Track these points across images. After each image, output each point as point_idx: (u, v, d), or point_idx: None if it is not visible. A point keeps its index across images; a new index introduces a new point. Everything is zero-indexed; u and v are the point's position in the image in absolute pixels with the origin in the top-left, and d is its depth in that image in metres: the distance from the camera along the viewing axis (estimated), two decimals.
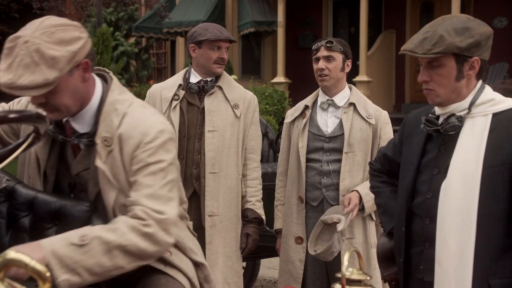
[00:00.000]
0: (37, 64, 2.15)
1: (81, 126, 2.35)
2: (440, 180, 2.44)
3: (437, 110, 2.53)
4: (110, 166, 2.29)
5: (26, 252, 1.81)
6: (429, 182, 2.49)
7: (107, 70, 2.48)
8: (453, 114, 2.46)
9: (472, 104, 2.41)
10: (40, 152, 2.42)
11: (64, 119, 2.36)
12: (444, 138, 2.48)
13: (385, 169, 2.85)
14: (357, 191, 3.68)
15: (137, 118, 2.31)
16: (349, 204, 3.63)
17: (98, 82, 2.40)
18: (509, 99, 2.40)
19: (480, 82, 2.46)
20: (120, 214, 2.27)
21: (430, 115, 2.54)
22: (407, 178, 2.56)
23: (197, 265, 2.52)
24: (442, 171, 2.45)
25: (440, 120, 2.50)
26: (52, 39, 2.18)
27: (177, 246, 2.45)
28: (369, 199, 3.67)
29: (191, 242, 2.53)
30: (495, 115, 2.38)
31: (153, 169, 2.26)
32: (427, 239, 2.49)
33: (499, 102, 2.39)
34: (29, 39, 2.16)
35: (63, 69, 2.19)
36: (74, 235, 2.16)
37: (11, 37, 2.19)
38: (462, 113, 2.44)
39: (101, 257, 2.15)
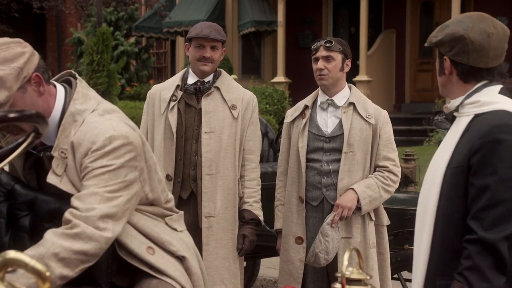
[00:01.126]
0: None
1: (46, 139, 2.35)
2: None
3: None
4: (69, 177, 2.30)
5: None
6: None
7: (73, 73, 2.47)
8: (441, 111, 2.48)
9: (461, 103, 2.40)
10: (15, 162, 2.43)
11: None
12: (445, 134, 2.50)
13: None
14: (353, 189, 3.68)
15: (89, 126, 2.31)
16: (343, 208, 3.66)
17: (61, 92, 2.39)
18: (501, 101, 2.34)
19: (481, 83, 2.41)
20: None
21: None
22: None
23: (179, 258, 2.53)
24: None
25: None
26: None
27: (155, 242, 2.46)
28: (365, 196, 3.67)
29: (168, 236, 2.53)
30: (476, 116, 2.35)
31: (96, 172, 2.26)
32: None
33: (484, 104, 2.35)
34: None
35: (12, 87, 2.20)
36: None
37: None
38: (452, 111, 2.44)
39: (52, 266, 2.13)
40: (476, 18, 2.39)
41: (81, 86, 2.41)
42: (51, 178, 2.30)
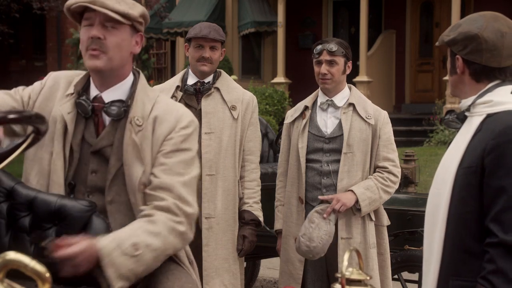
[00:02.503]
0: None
1: (113, 96, 2.47)
2: None
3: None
4: (140, 143, 2.41)
5: (83, 262, 2.07)
6: None
7: (137, 69, 2.62)
8: (452, 110, 2.46)
9: (473, 103, 2.39)
10: (69, 126, 2.48)
11: (96, 94, 2.48)
12: (455, 134, 2.48)
13: None
14: (352, 191, 3.68)
15: (170, 106, 2.50)
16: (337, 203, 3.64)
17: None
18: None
19: (494, 83, 2.39)
20: (139, 193, 2.38)
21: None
22: None
23: (191, 262, 2.60)
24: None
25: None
26: None
27: None
28: (365, 198, 3.66)
29: None
30: (488, 116, 2.34)
31: (185, 157, 2.41)
32: None
33: (497, 103, 2.34)
34: None
35: (136, 16, 2.42)
36: (126, 243, 2.26)
37: None
38: (463, 110, 2.42)
39: (150, 264, 2.31)
40: (490, 17, 2.39)
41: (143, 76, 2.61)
42: (133, 136, 2.40)
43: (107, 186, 2.43)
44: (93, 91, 2.51)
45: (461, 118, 2.43)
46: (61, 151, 2.46)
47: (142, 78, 2.53)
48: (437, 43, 2.47)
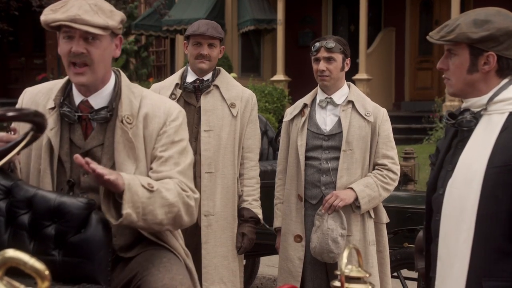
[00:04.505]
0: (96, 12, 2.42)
1: (99, 102, 2.52)
2: (450, 176, 2.40)
3: (463, 104, 2.48)
4: (133, 141, 2.46)
5: (109, 174, 2.18)
6: (444, 178, 2.45)
7: (117, 68, 2.66)
8: (469, 109, 2.41)
9: (490, 100, 2.35)
10: (54, 142, 2.50)
11: (82, 99, 2.52)
12: (463, 134, 2.43)
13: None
14: (352, 188, 3.68)
15: (157, 100, 2.57)
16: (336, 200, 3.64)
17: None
18: None
19: (507, 80, 2.37)
20: None
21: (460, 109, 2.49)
22: (433, 173, 2.55)
23: (186, 254, 2.63)
24: (453, 168, 2.41)
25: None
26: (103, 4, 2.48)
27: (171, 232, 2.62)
28: (364, 195, 3.66)
29: (179, 233, 2.70)
30: (511, 114, 2.31)
31: (179, 147, 2.49)
32: (436, 235, 2.46)
33: None
34: None
35: (116, 26, 2.45)
36: (142, 179, 2.36)
37: None
38: (479, 109, 2.38)
39: (157, 209, 2.36)
40: (510, 13, 2.38)
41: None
42: (123, 135, 2.46)
43: (101, 186, 2.43)
44: (77, 97, 2.55)
45: (478, 117, 2.37)
46: (47, 167, 2.50)
47: (123, 76, 2.60)
48: (462, 40, 2.34)
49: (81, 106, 2.53)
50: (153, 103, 2.54)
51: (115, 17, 2.48)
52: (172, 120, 2.52)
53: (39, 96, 2.60)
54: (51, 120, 2.49)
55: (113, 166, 2.45)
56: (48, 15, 2.43)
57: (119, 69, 2.62)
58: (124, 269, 2.51)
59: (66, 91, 2.57)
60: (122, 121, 2.46)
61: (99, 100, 2.52)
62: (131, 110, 2.50)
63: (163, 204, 2.37)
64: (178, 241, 2.62)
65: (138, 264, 2.48)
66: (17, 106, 2.55)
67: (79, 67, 2.44)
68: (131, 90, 2.55)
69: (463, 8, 13.50)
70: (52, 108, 2.53)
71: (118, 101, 2.51)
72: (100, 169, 2.24)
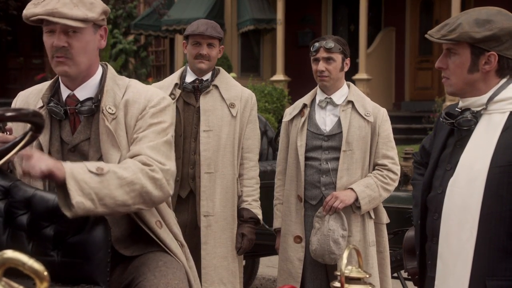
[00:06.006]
0: (76, 4, 2.40)
1: (84, 94, 2.52)
2: (450, 176, 2.40)
3: (460, 103, 2.47)
4: (114, 130, 2.45)
5: (50, 166, 2.12)
6: (442, 177, 2.45)
7: (105, 63, 2.64)
8: (468, 109, 2.40)
9: (490, 100, 2.35)
10: (43, 142, 2.51)
11: (68, 93, 2.52)
12: (461, 133, 2.43)
13: (423, 161, 2.78)
14: (352, 189, 3.67)
15: (140, 89, 2.55)
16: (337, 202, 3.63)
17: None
18: None
19: (505, 79, 2.38)
20: None
21: (456, 108, 2.48)
22: (427, 172, 2.54)
23: (182, 245, 2.63)
24: (453, 167, 2.40)
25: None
26: None
27: (163, 219, 2.59)
28: (364, 196, 3.66)
29: (172, 219, 2.66)
30: None
31: (156, 128, 2.45)
32: (434, 235, 2.45)
33: None
34: None
35: (96, 17, 2.43)
36: (91, 165, 2.31)
37: None
38: (479, 109, 2.38)
39: (114, 190, 2.29)
40: (510, 13, 2.38)
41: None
42: (106, 123, 2.45)
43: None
44: (64, 92, 2.56)
45: (479, 116, 2.37)
46: None
47: (111, 69, 2.60)
48: (464, 39, 2.34)
49: (68, 101, 2.53)
50: (136, 90, 2.53)
51: (95, 9, 2.46)
52: (152, 106, 2.49)
53: (30, 97, 2.63)
54: None
55: (100, 158, 2.46)
56: (28, 9, 2.43)
57: (107, 63, 2.62)
58: (122, 272, 2.51)
59: (54, 88, 2.59)
60: (103, 112, 2.47)
61: (84, 92, 2.52)
62: (114, 100, 2.49)
63: (120, 184, 2.30)
64: (177, 237, 2.61)
65: (135, 269, 2.48)
66: None
67: (60, 58, 2.45)
68: (116, 82, 2.54)
69: (463, 8, 13.50)
70: (41, 107, 2.55)
71: (101, 93, 2.51)
72: (28, 167, 2.19)
